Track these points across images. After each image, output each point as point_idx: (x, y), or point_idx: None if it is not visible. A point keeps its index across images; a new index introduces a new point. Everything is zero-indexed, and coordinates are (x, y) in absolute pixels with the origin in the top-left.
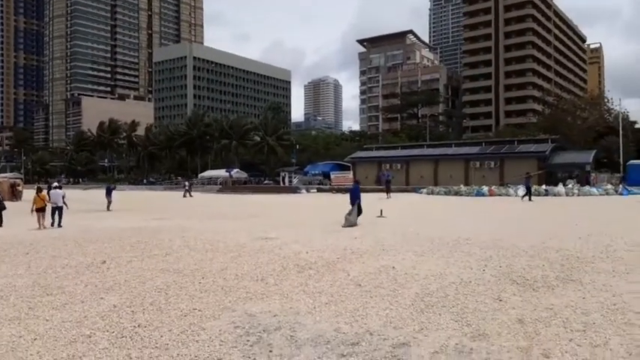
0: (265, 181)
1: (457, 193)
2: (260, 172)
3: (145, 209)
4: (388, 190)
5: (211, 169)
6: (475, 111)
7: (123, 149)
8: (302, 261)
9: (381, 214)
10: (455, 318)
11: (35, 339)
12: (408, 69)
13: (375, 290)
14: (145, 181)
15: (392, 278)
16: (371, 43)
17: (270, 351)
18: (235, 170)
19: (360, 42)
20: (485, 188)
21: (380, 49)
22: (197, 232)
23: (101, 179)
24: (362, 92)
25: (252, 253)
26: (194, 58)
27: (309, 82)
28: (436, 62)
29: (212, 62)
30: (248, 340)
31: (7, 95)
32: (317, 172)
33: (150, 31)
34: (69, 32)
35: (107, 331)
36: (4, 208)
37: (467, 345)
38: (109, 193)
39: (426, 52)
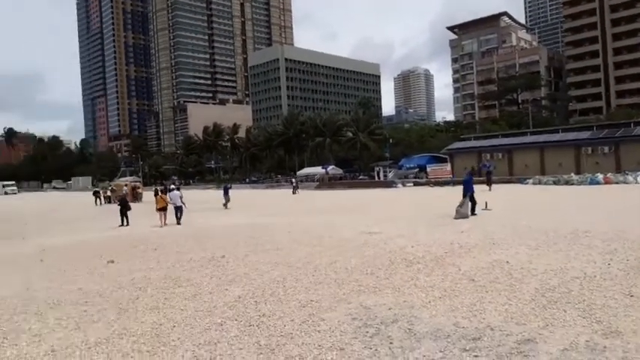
0: (360, 177)
1: (568, 183)
2: (354, 167)
3: (253, 207)
4: (489, 182)
5: (307, 166)
6: (582, 93)
7: (227, 151)
8: (409, 255)
9: (486, 206)
10: (582, 314)
11: (174, 326)
12: (504, 53)
13: (491, 285)
14: (247, 180)
15: (507, 273)
16: (462, 29)
17: (391, 343)
18: (331, 167)
19: (450, 29)
20: (599, 176)
21: (472, 34)
22: (303, 228)
23: (209, 180)
24: (455, 81)
25: (357, 247)
26: (286, 59)
27: (398, 75)
28: (534, 43)
29: (303, 62)
30: (367, 332)
31: (122, 106)
32: (412, 165)
33: (244, 37)
34: (172, 44)
35: (236, 319)
36: (130, 208)
37: (599, 343)
38: (226, 192)
39: (522, 33)
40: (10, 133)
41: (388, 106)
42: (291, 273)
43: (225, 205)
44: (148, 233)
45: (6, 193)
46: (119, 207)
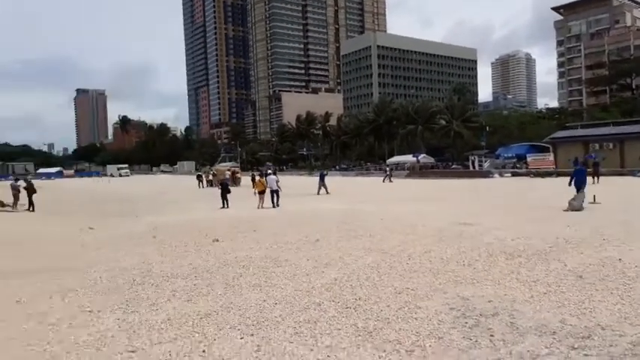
0: (453, 166)
1: None
2: (446, 156)
3: (345, 193)
4: (597, 174)
5: (397, 154)
6: None
7: (318, 139)
8: (509, 248)
9: (594, 200)
10: None
11: (276, 304)
12: (616, 34)
13: (601, 283)
14: (337, 167)
15: (619, 271)
16: (568, 9)
17: (492, 335)
18: (422, 155)
19: (556, 9)
20: None
21: (580, 14)
22: (395, 216)
23: (301, 167)
24: (560, 65)
25: (452, 237)
26: (378, 46)
27: (496, 59)
28: None
29: (395, 49)
30: (466, 323)
31: (222, 95)
32: (510, 154)
33: (336, 26)
34: (269, 35)
35: (333, 301)
36: (230, 192)
37: None
38: (322, 179)
39: (638, 12)
40: (125, 121)
41: (484, 92)
42: (384, 260)
43: (321, 191)
44: (246, 215)
45: (120, 175)
46: (220, 190)
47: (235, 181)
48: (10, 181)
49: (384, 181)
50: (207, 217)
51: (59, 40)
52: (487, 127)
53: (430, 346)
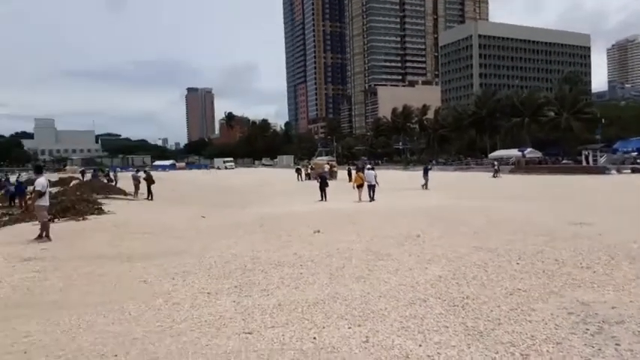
0: (564, 161)
1: None
2: (555, 150)
3: (446, 188)
4: None
5: (500, 148)
6: None
7: (414, 132)
8: (632, 251)
9: None
10: None
11: (380, 297)
12: None
13: None
14: (434, 162)
15: None
16: None
17: (618, 344)
18: (528, 149)
19: None
20: None
21: None
22: (501, 213)
23: (397, 161)
24: None
25: (566, 238)
26: (479, 36)
27: (612, 45)
28: None
29: (498, 38)
30: (587, 329)
31: (319, 91)
32: (630, 149)
33: (435, 16)
34: (365, 29)
35: (439, 298)
36: (327, 185)
37: None
38: (425, 173)
39: None
40: (230, 117)
41: (598, 81)
42: (492, 258)
43: (424, 185)
44: (345, 208)
45: (226, 168)
46: (319, 183)
47: (332, 174)
48: (132, 173)
49: (494, 176)
50: (307, 209)
51: (173, 42)
52: (602, 120)
53: (548, 351)
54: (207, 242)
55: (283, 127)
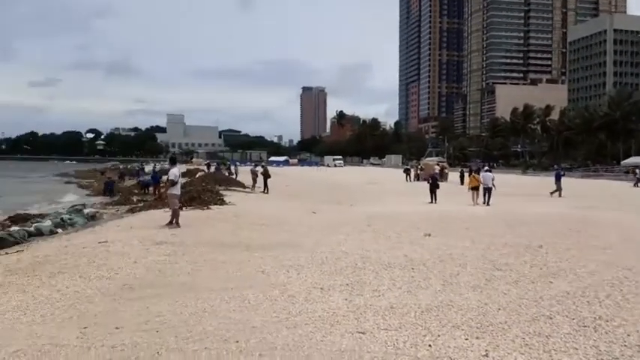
0: None
1: None
2: None
3: (574, 195)
4: None
5: (636, 155)
6: None
7: (536, 134)
8: None
9: None
10: None
11: (499, 309)
12: None
13: None
14: (555, 166)
15: None
16: None
17: None
18: None
19: None
20: None
21: None
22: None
23: (514, 164)
24: None
25: None
26: (614, 30)
27: None
28: None
29: (636, 32)
30: None
31: (432, 89)
32: None
33: (564, 10)
34: (485, 25)
35: (566, 316)
36: (438, 187)
37: None
38: (558, 179)
39: None
40: (341, 115)
41: None
42: (628, 277)
43: (558, 192)
44: (457, 212)
45: (335, 166)
46: (429, 184)
47: (443, 176)
48: (250, 167)
49: (635, 185)
50: (416, 210)
51: (294, 42)
52: None
53: None
54: (319, 237)
55: (393, 126)
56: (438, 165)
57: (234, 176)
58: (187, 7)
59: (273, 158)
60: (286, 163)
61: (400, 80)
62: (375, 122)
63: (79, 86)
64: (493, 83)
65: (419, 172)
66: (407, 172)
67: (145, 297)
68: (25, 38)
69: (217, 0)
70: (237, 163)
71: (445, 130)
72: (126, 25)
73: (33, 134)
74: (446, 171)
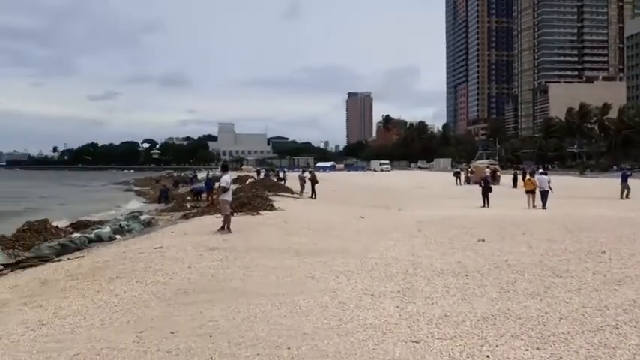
0: None
1: None
2: None
3: (637, 197)
4: None
5: None
6: None
7: (593, 134)
8: None
9: None
10: None
11: (561, 318)
12: None
13: None
14: (620, 167)
15: None
16: None
17: None
18: None
19: None
20: None
21: None
22: None
23: (569, 166)
24: None
25: None
26: None
27: None
28: None
29: None
30: None
31: (481, 91)
32: None
33: (620, 3)
34: (536, 22)
35: (634, 326)
36: (491, 190)
37: None
38: (624, 180)
39: None
40: (387, 120)
41: None
42: None
43: (625, 194)
44: (511, 216)
45: (382, 170)
46: (482, 188)
47: (495, 179)
48: (298, 173)
49: None
50: (467, 214)
51: (339, 49)
52: None
53: None
54: (367, 243)
55: (441, 129)
56: (489, 168)
57: (282, 182)
58: (233, 19)
59: (320, 164)
60: (333, 168)
61: (448, 82)
62: (422, 125)
63: (135, 99)
64: (546, 82)
65: (469, 175)
66: (457, 175)
67: (199, 302)
68: (84, 54)
69: (263, 11)
70: (285, 170)
71: (496, 132)
72: (176, 38)
73: (93, 145)
74: (498, 174)
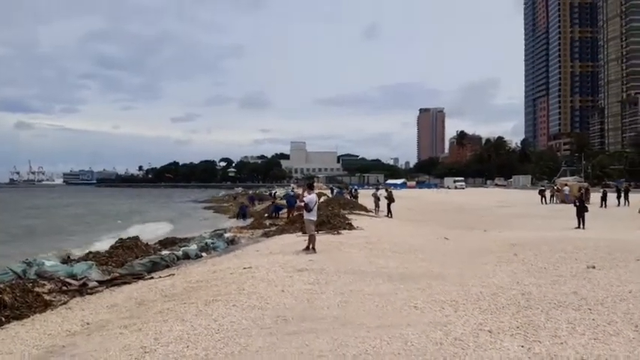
0: None
1: None
2: None
3: None
4: None
5: None
6: None
7: None
8: None
9: None
10: None
11: None
12: None
13: None
14: None
15: None
16: None
17: None
18: None
19: None
20: None
21: None
22: None
23: None
24: None
25: None
26: None
27: None
28: None
29: None
30: None
31: (564, 104)
32: None
33: None
34: (624, 31)
35: None
36: (587, 210)
37: None
38: None
39: None
40: (462, 136)
41: None
42: None
43: None
44: (618, 239)
45: (455, 188)
46: (576, 207)
47: (586, 197)
48: (372, 190)
49: None
50: (564, 236)
51: (412, 66)
52: None
53: None
54: (461, 268)
55: (519, 145)
56: (579, 185)
57: (356, 200)
58: (309, 40)
59: (390, 181)
60: (404, 185)
61: (526, 96)
62: (500, 141)
63: (214, 120)
64: (635, 94)
65: (556, 192)
66: (542, 193)
67: (301, 332)
68: (168, 79)
69: (340, 34)
70: (355, 187)
71: (581, 147)
72: (254, 61)
73: (175, 164)
74: (589, 192)
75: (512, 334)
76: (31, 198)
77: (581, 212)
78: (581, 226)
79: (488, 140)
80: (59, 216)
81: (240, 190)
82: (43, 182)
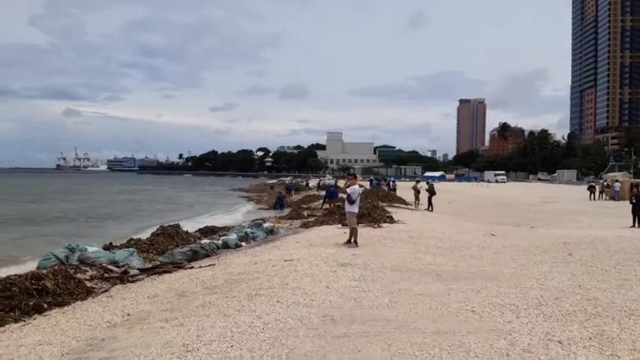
0: None
1: None
2: None
3: None
4: None
5: None
6: None
7: None
8: None
9: None
10: None
11: None
12: None
13: None
14: None
15: None
16: None
17: None
18: None
19: None
20: None
21: None
22: None
23: None
24: None
25: None
26: None
27: None
28: None
29: None
30: None
31: (612, 96)
32: None
33: None
34: None
35: None
36: None
37: None
38: None
39: None
40: (504, 127)
41: None
42: None
43: None
44: None
45: (497, 182)
46: (632, 205)
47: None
48: (412, 183)
49: None
50: (620, 235)
51: (452, 56)
52: None
53: None
54: (514, 267)
55: (565, 138)
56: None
57: (394, 192)
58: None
59: (428, 174)
60: (442, 178)
61: (573, 88)
62: (544, 134)
63: (252, 110)
64: None
65: (605, 189)
66: (591, 189)
67: (352, 335)
68: (208, 69)
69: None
70: (392, 179)
71: (630, 142)
72: (291, 52)
73: (213, 152)
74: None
75: (586, 346)
76: (104, 184)
77: (637, 210)
78: (637, 224)
79: (531, 133)
80: (157, 201)
81: (276, 180)
82: (89, 168)
